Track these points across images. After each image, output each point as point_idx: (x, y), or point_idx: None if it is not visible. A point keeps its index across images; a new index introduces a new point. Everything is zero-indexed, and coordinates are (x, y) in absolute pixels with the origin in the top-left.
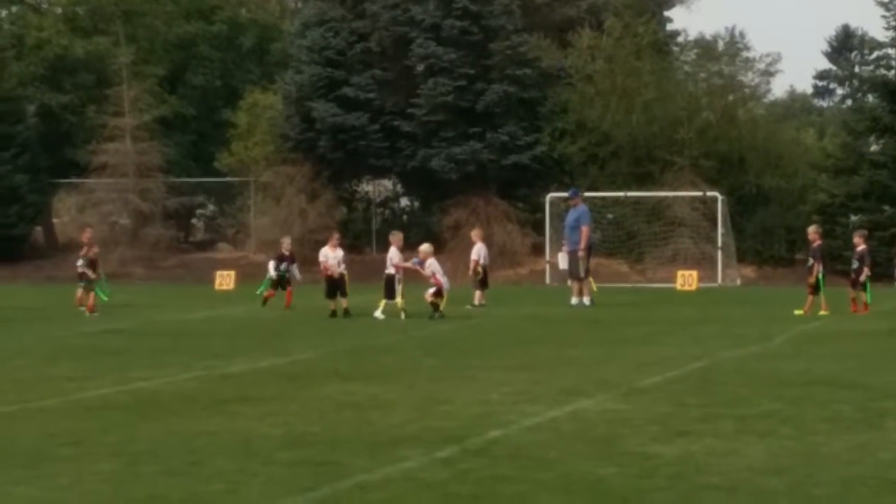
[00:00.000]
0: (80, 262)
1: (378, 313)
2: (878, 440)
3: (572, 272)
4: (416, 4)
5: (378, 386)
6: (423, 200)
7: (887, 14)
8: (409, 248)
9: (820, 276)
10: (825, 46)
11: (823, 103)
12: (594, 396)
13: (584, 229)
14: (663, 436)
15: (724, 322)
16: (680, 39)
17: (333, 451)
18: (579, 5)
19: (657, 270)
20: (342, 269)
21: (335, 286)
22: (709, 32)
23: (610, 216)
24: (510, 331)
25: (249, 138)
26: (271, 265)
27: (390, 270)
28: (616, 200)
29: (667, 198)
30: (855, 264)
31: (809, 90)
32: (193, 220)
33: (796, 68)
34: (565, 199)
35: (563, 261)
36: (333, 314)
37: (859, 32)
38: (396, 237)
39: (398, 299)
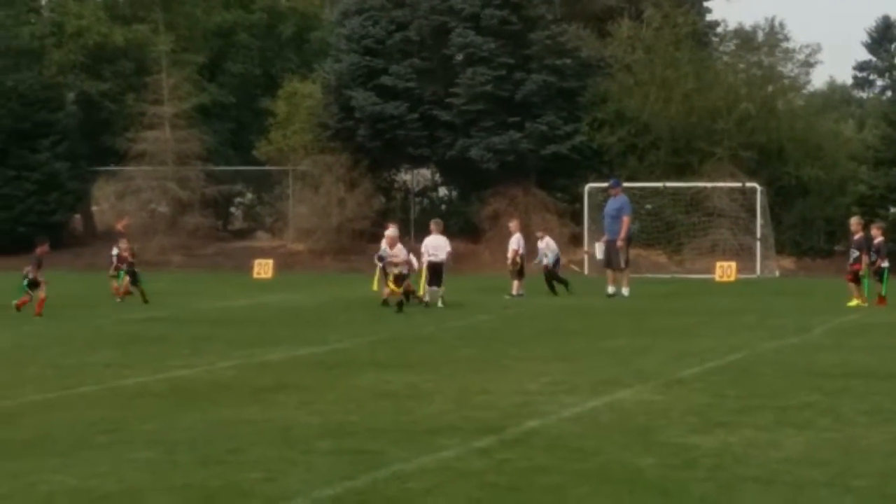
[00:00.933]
0: (114, 252)
1: (438, 303)
2: None
3: (612, 262)
4: None
5: (416, 375)
6: (462, 190)
7: None
8: (448, 236)
9: (866, 267)
10: (865, 37)
11: (863, 94)
12: (632, 387)
13: (626, 219)
14: (702, 427)
15: (762, 313)
16: (719, 30)
17: (371, 440)
18: None
19: (695, 261)
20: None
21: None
22: (748, 23)
23: (648, 206)
24: (548, 321)
25: (288, 127)
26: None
27: (435, 258)
28: (655, 191)
29: (705, 188)
30: (873, 256)
31: (849, 81)
32: (232, 209)
33: (836, 59)
34: (606, 189)
35: (599, 251)
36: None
37: None
38: (438, 225)
39: (428, 289)
